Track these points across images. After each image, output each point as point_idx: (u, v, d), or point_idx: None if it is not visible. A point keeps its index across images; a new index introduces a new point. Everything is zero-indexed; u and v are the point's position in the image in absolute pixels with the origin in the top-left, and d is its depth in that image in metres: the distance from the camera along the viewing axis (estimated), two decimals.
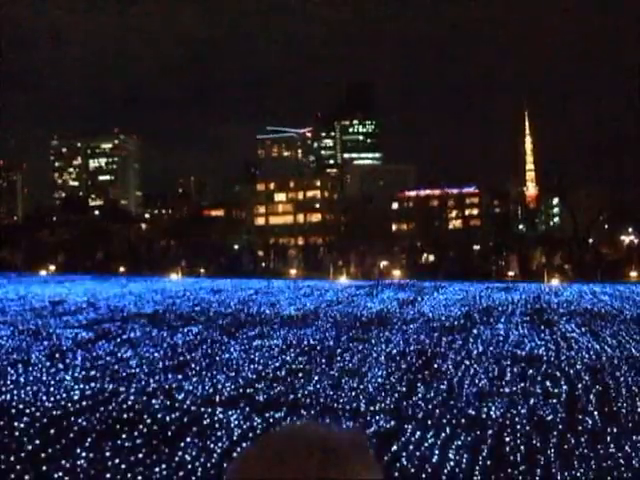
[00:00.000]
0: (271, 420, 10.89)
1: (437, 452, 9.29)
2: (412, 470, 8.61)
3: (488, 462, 8.90)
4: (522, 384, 13.71)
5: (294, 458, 1.28)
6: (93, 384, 13.39)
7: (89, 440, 9.61)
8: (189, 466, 8.66)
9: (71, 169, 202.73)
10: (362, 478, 1.32)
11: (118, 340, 19.47)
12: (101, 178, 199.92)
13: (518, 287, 42.26)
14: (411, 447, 9.49)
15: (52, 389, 12.84)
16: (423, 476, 8.41)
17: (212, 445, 9.47)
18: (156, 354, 17.07)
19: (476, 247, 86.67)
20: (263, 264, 67.89)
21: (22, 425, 10.34)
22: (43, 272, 59.74)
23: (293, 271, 59.87)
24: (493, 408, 11.72)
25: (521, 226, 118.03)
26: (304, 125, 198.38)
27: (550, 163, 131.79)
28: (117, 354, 17.04)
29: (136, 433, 10.01)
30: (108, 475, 8.33)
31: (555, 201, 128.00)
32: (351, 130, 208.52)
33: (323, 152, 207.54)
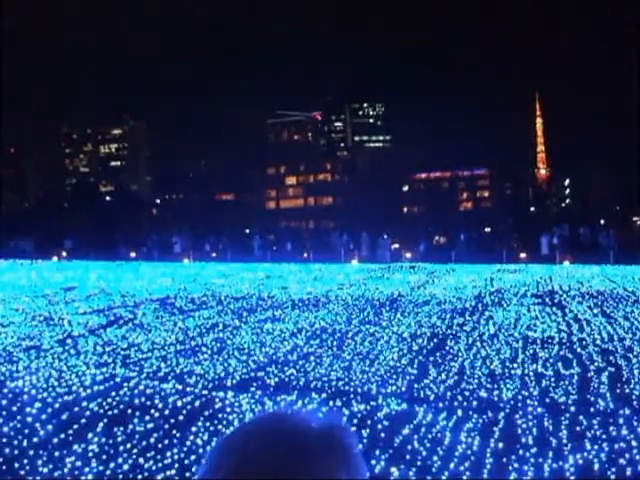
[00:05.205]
0: (282, 403, 10.91)
1: (449, 434, 9.27)
2: (424, 453, 8.59)
3: (500, 444, 8.87)
4: (534, 366, 13.68)
5: (262, 457, 1.22)
6: (105, 369, 13.43)
7: (101, 425, 9.63)
8: (200, 450, 8.66)
9: (82, 155, 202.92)
10: (334, 478, 1.25)
11: (130, 325, 19.52)
12: (112, 164, 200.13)
13: (530, 269, 42.18)
14: (423, 430, 9.47)
15: (64, 375, 12.88)
16: (435, 458, 8.39)
17: (223, 429, 9.47)
18: (167, 339, 17.10)
19: (487, 229, 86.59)
20: (274, 247, 67.87)
21: (34, 411, 10.37)
22: (55, 258, 59.94)
23: (304, 254, 59.84)
24: (505, 390, 11.70)
25: (532, 208, 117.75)
26: (314, 108, 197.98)
27: (561, 144, 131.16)
28: (128, 339, 17.08)
29: (147, 418, 10.03)
30: (120, 460, 8.35)
31: (567, 182, 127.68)
32: (361, 113, 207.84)
33: (333, 135, 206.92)
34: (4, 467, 8.18)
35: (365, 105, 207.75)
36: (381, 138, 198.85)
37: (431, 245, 69.00)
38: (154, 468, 8.15)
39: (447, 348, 15.76)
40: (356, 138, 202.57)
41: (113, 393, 11.44)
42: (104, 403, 10.81)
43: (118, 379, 12.57)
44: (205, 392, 11.59)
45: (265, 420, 1.33)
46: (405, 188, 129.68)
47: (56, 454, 8.51)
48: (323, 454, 1.24)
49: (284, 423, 1.29)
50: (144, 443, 8.92)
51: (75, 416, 10.09)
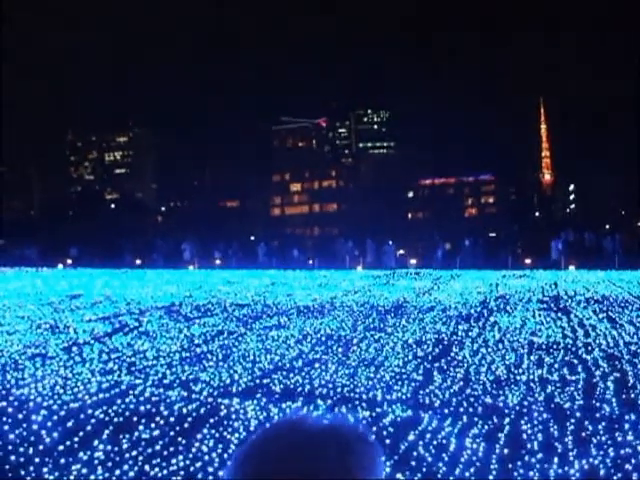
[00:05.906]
0: (288, 410, 10.91)
1: (454, 440, 9.26)
2: (429, 459, 8.59)
3: (505, 450, 8.87)
4: (539, 371, 13.66)
5: (311, 453, 1.23)
6: (110, 377, 13.44)
7: (106, 432, 9.65)
8: (206, 457, 8.67)
9: (87, 163, 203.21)
10: (375, 467, 1.29)
11: (135, 332, 19.54)
12: (117, 171, 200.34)
13: (535, 274, 42.14)
14: (428, 436, 9.47)
15: (69, 382, 12.89)
16: (440, 465, 8.39)
17: (229, 436, 9.48)
18: (173, 346, 17.11)
19: (492, 235, 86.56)
20: (279, 254, 67.88)
21: (40, 418, 10.39)
22: (60, 266, 60.03)
23: (309, 261, 59.86)
24: (510, 396, 11.69)
25: (537, 213, 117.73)
26: (318, 115, 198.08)
27: (566, 149, 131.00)
28: (134, 346, 17.10)
29: (153, 425, 10.04)
30: (126, 467, 8.36)
31: (571, 187, 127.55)
32: (365, 119, 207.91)
33: (338, 142, 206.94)
34: (10, 474, 8.20)
35: (369, 111, 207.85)
36: (385, 144, 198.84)
37: (436, 251, 68.91)
38: (160, 475, 8.16)
39: (452, 354, 15.74)
40: (360, 145, 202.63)
41: (119, 400, 11.46)
42: (110, 410, 10.82)
43: (123, 386, 12.58)
44: (210, 399, 11.60)
45: (278, 425, 1.35)
46: (410, 194, 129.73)
47: (62, 461, 8.52)
48: (360, 447, 1.28)
49: (299, 426, 1.31)
50: (150, 450, 8.93)
51: (81, 423, 10.11)
